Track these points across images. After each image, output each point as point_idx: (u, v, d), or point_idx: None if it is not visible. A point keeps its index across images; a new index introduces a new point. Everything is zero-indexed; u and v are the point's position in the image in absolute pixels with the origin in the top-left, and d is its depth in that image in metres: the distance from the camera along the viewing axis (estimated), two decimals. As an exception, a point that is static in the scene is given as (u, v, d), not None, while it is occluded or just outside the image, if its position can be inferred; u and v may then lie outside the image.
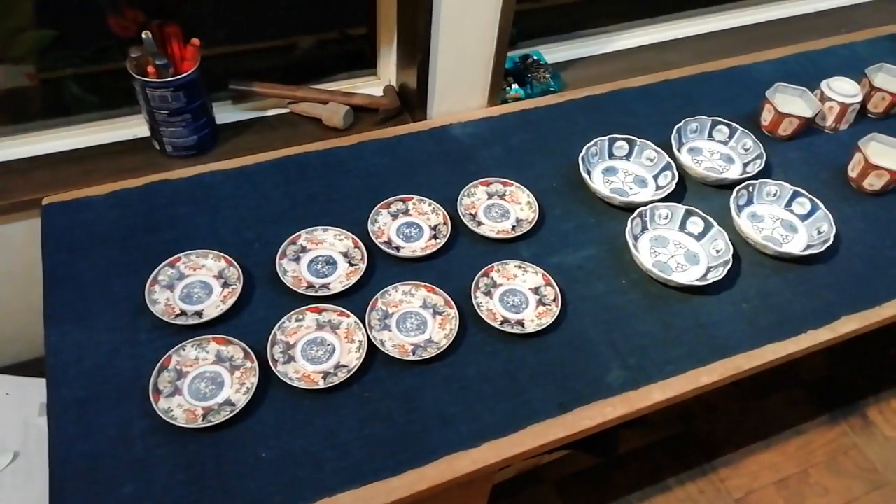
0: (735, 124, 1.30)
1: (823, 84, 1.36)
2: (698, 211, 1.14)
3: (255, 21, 1.33)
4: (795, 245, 1.15)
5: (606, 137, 1.25)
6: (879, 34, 1.65)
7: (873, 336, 1.13)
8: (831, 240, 1.12)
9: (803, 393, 1.72)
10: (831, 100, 1.34)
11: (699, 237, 1.13)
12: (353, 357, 0.94)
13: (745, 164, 1.26)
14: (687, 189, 1.23)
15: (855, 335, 1.05)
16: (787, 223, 1.18)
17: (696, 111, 1.36)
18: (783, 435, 1.64)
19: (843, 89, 1.35)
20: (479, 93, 1.35)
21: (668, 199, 1.18)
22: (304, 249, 1.06)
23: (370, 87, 1.40)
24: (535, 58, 1.46)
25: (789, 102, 1.35)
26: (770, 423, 1.65)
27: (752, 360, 1.01)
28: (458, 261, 1.09)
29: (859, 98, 1.34)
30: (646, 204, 1.15)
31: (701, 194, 1.22)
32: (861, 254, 1.15)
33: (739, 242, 1.14)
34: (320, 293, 1.00)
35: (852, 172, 1.25)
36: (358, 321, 0.97)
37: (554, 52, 1.53)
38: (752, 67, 1.52)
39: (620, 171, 1.24)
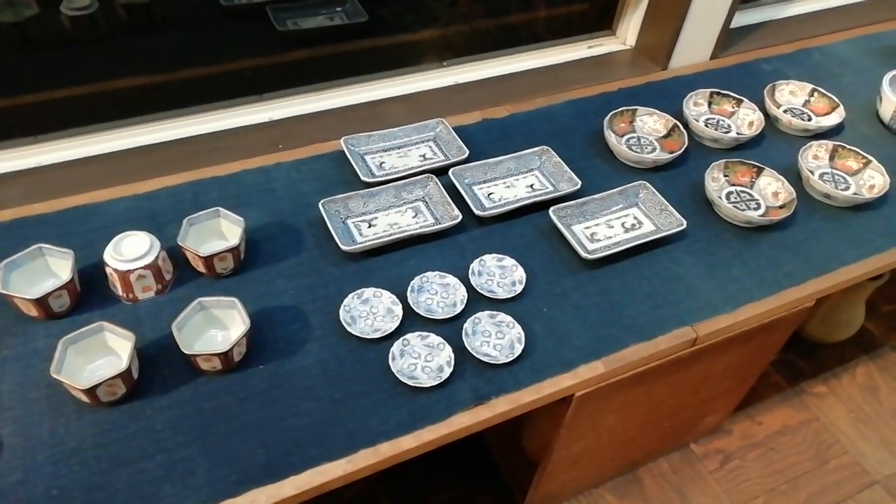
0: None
1: (112, 243, 1.08)
2: None
3: None
4: None
5: None
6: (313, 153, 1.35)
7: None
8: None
9: None
10: (108, 265, 1.07)
11: None
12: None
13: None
14: None
15: None
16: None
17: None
18: None
19: (125, 252, 1.06)
20: None
21: None
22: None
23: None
24: None
25: (45, 270, 1.07)
26: None
27: None
28: None
29: (147, 261, 1.06)
30: None
31: None
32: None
33: None
34: None
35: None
36: None
37: None
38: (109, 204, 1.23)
39: None
